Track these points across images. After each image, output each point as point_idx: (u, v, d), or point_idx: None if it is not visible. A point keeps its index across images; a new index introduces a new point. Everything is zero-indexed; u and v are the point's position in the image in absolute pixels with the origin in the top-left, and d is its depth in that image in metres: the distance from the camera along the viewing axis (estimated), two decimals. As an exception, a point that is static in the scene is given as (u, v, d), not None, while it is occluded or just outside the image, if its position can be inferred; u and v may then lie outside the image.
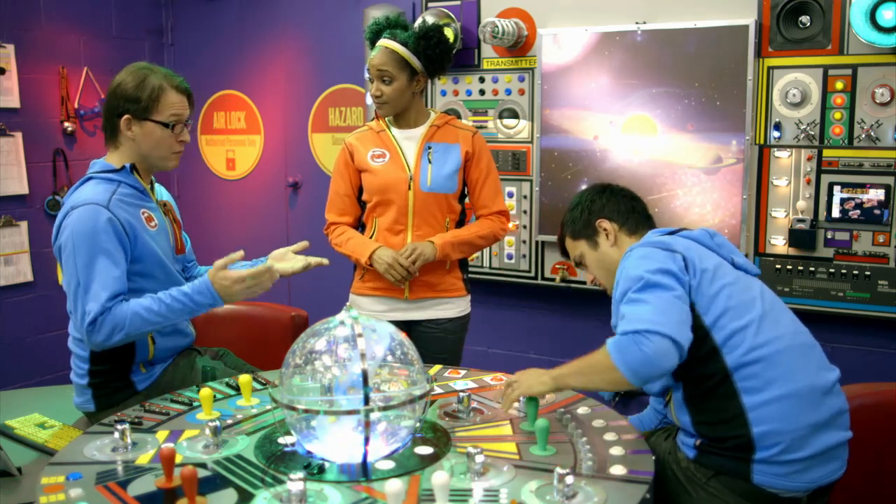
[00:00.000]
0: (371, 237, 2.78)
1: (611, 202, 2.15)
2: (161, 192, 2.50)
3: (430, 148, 2.75)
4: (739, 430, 1.80)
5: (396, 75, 2.67)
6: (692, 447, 1.88)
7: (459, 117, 3.70)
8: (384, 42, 2.69)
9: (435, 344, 2.78)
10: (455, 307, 2.83)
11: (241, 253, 2.28)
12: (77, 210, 2.20)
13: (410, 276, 2.67)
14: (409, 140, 2.77)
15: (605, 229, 2.12)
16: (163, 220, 2.39)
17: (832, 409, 1.85)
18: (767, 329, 1.85)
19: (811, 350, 1.92)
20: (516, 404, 1.99)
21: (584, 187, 3.45)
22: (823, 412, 1.83)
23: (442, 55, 2.72)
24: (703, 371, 1.84)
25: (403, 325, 2.77)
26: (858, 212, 3.03)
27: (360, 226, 2.87)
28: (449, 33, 2.89)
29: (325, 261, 2.48)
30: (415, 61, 2.68)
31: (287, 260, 2.49)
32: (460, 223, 2.85)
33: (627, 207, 2.15)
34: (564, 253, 2.27)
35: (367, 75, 2.86)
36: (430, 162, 2.73)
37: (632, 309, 1.81)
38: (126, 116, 2.29)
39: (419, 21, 3.31)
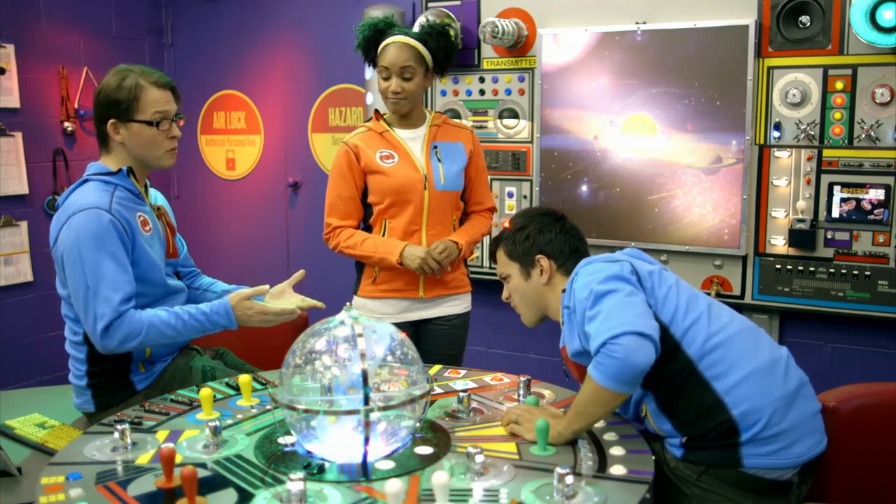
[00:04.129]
0: None
1: (557, 239, 2.10)
2: (156, 197, 2.49)
3: (436, 147, 2.76)
4: (721, 416, 1.84)
5: (417, 71, 2.70)
6: (679, 446, 1.90)
7: (459, 117, 3.71)
8: (401, 39, 2.69)
9: (444, 340, 2.82)
10: (462, 303, 2.87)
11: (266, 287, 2.36)
12: (79, 214, 2.18)
13: (441, 270, 2.70)
14: (413, 140, 2.77)
15: (541, 266, 2.09)
16: (157, 225, 2.38)
17: (796, 381, 1.92)
18: (715, 319, 1.94)
19: (758, 331, 2.00)
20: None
21: (584, 188, 3.49)
22: (789, 384, 1.90)
23: (453, 53, 2.80)
24: (669, 371, 1.87)
25: (415, 324, 2.79)
26: (858, 212, 3.03)
27: (364, 228, 2.83)
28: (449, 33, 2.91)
29: (321, 304, 2.45)
30: (430, 58, 2.73)
31: (285, 296, 2.47)
32: (461, 220, 2.87)
33: (572, 248, 2.11)
34: (494, 259, 2.21)
35: (369, 75, 2.85)
36: (439, 160, 2.74)
37: (591, 326, 1.82)
38: (111, 121, 2.27)
39: (422, 20, 3.31)
